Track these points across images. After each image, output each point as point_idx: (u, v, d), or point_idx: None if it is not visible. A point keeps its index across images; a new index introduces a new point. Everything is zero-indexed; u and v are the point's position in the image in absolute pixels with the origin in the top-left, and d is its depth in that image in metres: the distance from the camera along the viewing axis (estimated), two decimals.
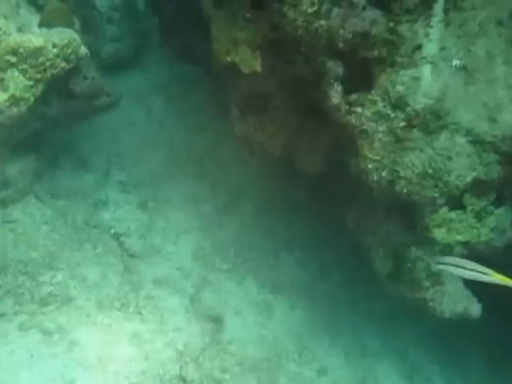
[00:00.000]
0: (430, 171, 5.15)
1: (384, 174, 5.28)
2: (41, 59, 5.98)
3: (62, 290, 6.34)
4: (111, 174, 7.50)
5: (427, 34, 4.89)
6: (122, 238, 6.96)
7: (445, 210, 5.55)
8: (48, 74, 6.01)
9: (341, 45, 4.99)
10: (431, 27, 4.86)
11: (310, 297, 7.69)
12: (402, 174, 5.22)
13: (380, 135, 5.22)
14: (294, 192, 8.28)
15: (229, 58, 6.18)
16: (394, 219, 6.29)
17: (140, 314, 6.48)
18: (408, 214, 6.07)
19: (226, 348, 6.63)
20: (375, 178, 5.31)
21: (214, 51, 6.27)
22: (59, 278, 6.44)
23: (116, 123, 8.11)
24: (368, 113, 5.22)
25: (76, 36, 6.26)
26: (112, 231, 7.02)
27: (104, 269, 6.74)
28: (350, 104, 5.37)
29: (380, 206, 6.38)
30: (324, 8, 4.90)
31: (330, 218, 7.84)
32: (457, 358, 7.57)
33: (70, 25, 6.57)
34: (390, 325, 7.86)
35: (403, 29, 4.86)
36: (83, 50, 6.34)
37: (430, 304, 6.13)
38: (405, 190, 5.30)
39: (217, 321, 6.74)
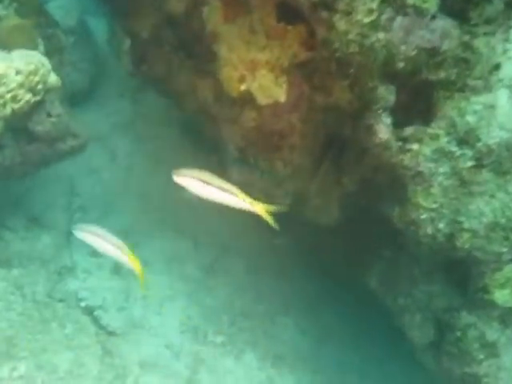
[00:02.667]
0: (502, 221, 4.29)
1: (442, 225, 4.41)
2: (0, 90, 4.64)
3: None
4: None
5: (505, 51, 4.09)
6: (96, 313, 5.59)
7: (511, 267, 4.70)
8: (7, 110, 4.66)
9: (400, 64, 4.09)
10: (510, 42, 4.08)
11: (315, 368, 6.61)
12: (466, 225, 4.37)
13: (440, 178, 4.36)
14: (289, 245, 7.30)
15: (243, 86, 5.14)
16: (438, 278, 5.39)
17: None
18: (458, 273, 5.19)
19: None
20: (429, 231, 4.42)
21: (223, 77, 5.20)
22: (21, 369, 4.98)
23: (74, 170, 6.75)
24: (427, 151, 4.34)
25: (44, 60, 4.98)
26: (83, 304, 5.65)
27: (77, 354, 5.34)
28: (403, 140, 4.48)
29: (418, 262, 5.47)
30: (384, 17, 3.96)
31: (335, 275, 6.91)
32: None
33: (33, 46, 5.28)
34: None
35: (480, 44, 4.05)
36: (53, 78, 5.06)
37: (484, 380, 5.19)
38: (467, 245, 4.43)
39: None
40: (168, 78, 6.91)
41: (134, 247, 6.47)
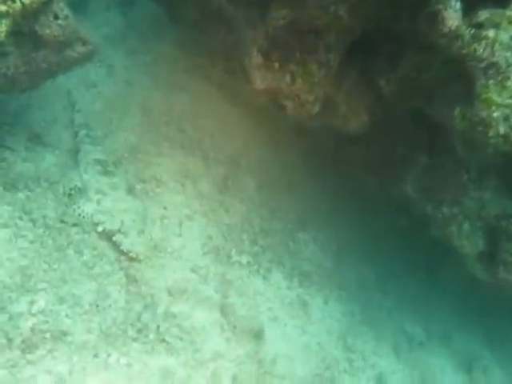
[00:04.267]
0: None
1: None
2: None
3: (49, 322, 4.07)
4: (82, 150, 5.15)
5: None
6: (115, 237, 4.76)
7: None
8: (17, 5, 3.74)
9: None
10: None
11: (339, 284, 6.13)
12: None
13: None
14: (300, 160, 6.62)
15: None
16: (491, 185, 4.82)
17: (164, 341, 4.46)
18: None
19: (272, 370, 4.85)
20: (502, 130, 3.77)
21: None
22: (41, 303, 4.21)
23: (71, 85, 5.74)
24: (505, 37, 3.63)
25: None
26: (100, 229, 4.83)
27: (100, 283, 4.59)
28: (476, 26, 3.75)
29: (468, 168, 4.88)
30: None
31: (353, 188, 6.31)
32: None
33: None
34: (425, 305, 6.56)
35: None
36: None
37: None
38: None
39: (257, 335, 4.91)
40: None
41: (145, 166, 5.76)
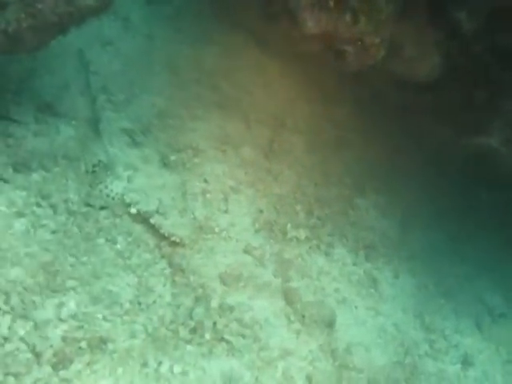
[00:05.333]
0: None
1: None
2: None
3: (84, 328, 3.17)
4: (104, 119, 4.18)
5: None
6: (153, 219, 3.82)
7: None
8: None
9: None
10: None
11: (408, 254, 5.15)
12: None
13: None
14: (358, 111, 5.60)
15: None
16: None
17: (224, 340, 3.57)
18: None
19: (348, 362, 3.94)
20: None
21: None
22: (71, 305, 3.32)
23: (82, 43, 4.72)
24: None
25: None
26: (134, 210, 3.87)
27: (140, 275, 3.67)
28: None
29: None
30: None
31: (420, 141, 5.30)
32: None
33: None
34: (503, 271, 5.59)
35: None
36: None
37: None
38: None
39: (328, 324, 3.99)
40: None
41: (178, 132, 4.78)
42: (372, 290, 4.68)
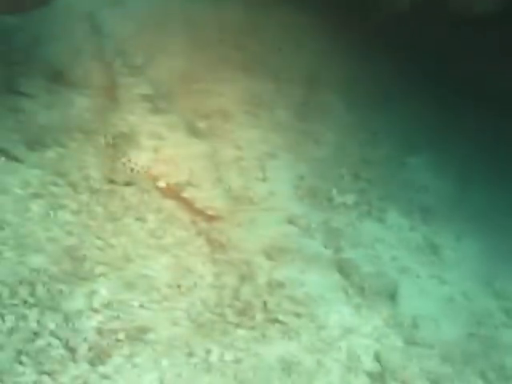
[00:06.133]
0: None
1: None
2: None
3: (120, 318, 2.87)
4: (122, 85, 3.83)
5: None
6: (186, 192, 3.49)
7: None
8: None
9: None
10: None
11: (469, 214, 4.75)
12: None
13: None
14: (399, 61, 5.14)
15: None
16: None
17: (277, 322, 3.25)
18: None
19: (416, 338, 3.56)
20: None
21: None
22: (103, 293, 3.06)
23: (89, 4, 4.35)
24: None
25: None
26: (163, 184, 3.55)
27: (177, 256, 3.36)
28: None
29: None
30: None
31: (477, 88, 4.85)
32: None
33: None
34: None
35: None
36: None
37: None
38: None
39: (391, 296, 3.60)
40: None
41: (203, 97, 4.41)
42: (433, 257, 4.28)
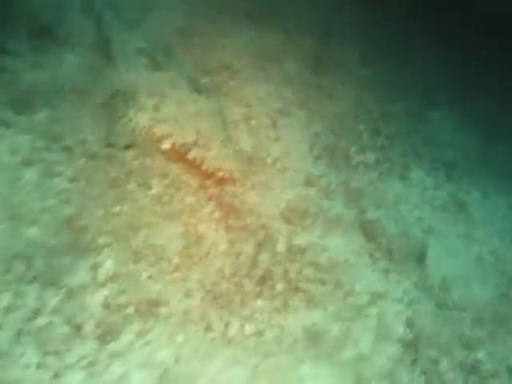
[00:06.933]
0: None
1: None
2: None
3: (127, 291, 2.65)
4: (115, 39, 3.55)
5: None
6: (193, 153, 3.24)
7: None
8: None
9: None
10: None
11: (495, 171, 4.51)
12: None
13: None
14: (420, 11, 4.85)
15: None
16: None
17: (300, 290, 3.11)
18: None
19: (447, 301, 3.37)
20: None
21: None
22: (109, 265, 2.85)
23: None
24: None
25: None
26: (167, 145, 3.34)
27: (186, 222, 3.14)
28: None
29: None
30: None
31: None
32: None
33: None
34: None
35: None
36: None
37: None
38: None
39: (419, 258, 3.41)
40: None
41: (206, 51, 4.12)
42: (460, 215, 4.07)
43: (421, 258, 3.54)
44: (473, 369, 3.09)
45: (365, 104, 4.35)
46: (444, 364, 3.01)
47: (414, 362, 2.98)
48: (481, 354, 3.27)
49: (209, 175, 3.31)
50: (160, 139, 3.34)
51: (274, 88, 4.03)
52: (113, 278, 2.81)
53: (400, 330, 3.09)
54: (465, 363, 3.11)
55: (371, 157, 4.04)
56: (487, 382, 3.15)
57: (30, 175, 2.99)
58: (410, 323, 3.14)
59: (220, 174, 3.31)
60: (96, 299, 2.69)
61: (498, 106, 4.88)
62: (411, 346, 3.06)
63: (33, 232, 2.79)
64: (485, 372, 3.15)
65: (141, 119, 3.34)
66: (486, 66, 4.94)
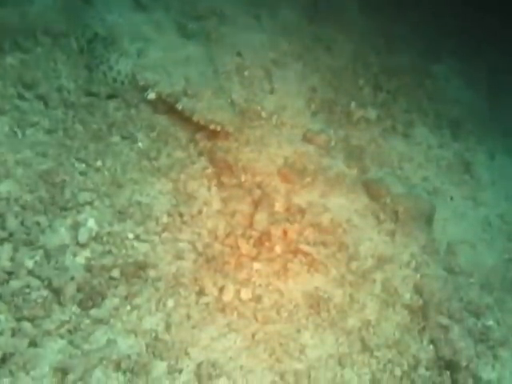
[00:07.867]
0: None
1: None
2: None
3: (112, 253, 2.46)
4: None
5: None
6: (181, 104, 3.01)
7: None
8: None
9: None
10: None
11: (502, 131, 4.39)
12: None
13: None
14: None
15: None
16: None
17: (301, 253, 2.93)
18: None
19: (453, 265, 3.26)
20: None
21: None
22: (91, 225, 2.63)
23: None
24: None
25: None
26: (152, 95, 3.07)
27: (175, 179, 2.98)
28: None
29: None
30: None
31: None
32: None
33: None
34: None
35: None
36: None
37: None
38: None
39: (427, 220, 3.26)
40: None
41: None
42: (466, 176, 3.93)
43: (428, 220, 3.39)
44: (482, 336, 2.97)
45: (364, 57, 4.17)
46: (455, 332, 2.87)
47: (422, 329, 2.84)
48: (489, 322, 3.15)
49: (199, 128, 3.11)
50: (145, 88, 3.12)
51: (267, 37, 3.81)
52: (96, 238, 2.62)
53: (407, 296, 2.95)
54: (474, 331, 2.98)
55: (372, 113, 3.85)
56: (496, 351, 3.04)
57: (1, 125, 2.74)
58: (417, 289, 2.99)
59: (212, 126, 3.09)
60: (77, 261, 2.50)
61: (501, 61, 4.71)
62: (419, 313, 2.92)
63: (6, 187, 2.58)
64: (493, 341, 3.04)
65: (123, 66, 3.10)
66: (488, 20, 4.76)
